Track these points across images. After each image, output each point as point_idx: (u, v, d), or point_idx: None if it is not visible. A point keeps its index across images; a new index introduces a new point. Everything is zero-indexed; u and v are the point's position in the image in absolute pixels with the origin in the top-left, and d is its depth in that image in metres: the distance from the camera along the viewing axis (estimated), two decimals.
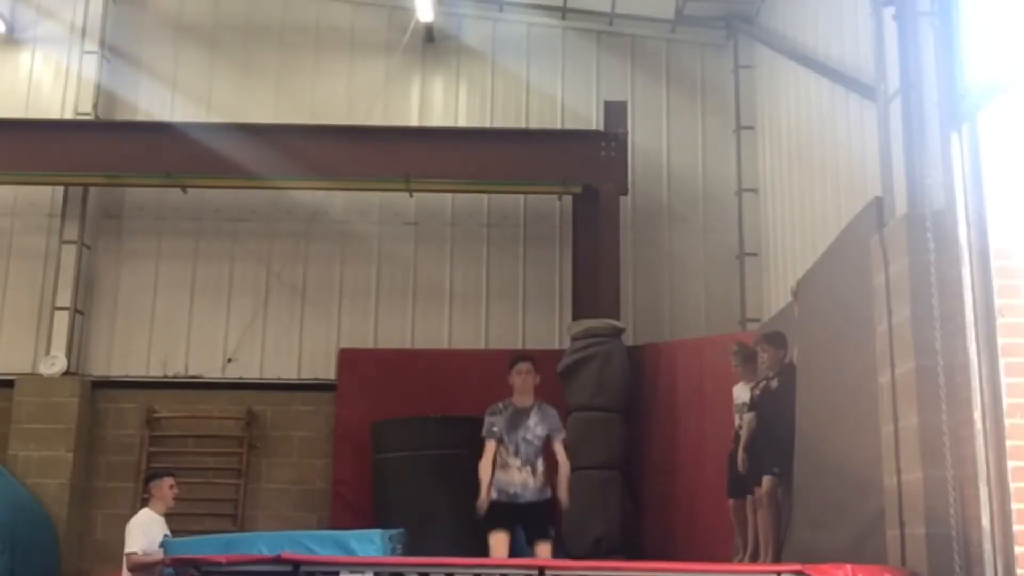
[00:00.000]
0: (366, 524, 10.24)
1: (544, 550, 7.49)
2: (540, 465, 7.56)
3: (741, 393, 8.43)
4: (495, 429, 7.59)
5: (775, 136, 10.97)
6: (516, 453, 7.49)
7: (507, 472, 7.50)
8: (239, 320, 11.92)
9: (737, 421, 8.43)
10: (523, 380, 7.68)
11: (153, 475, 8.81)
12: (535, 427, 7.58)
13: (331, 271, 12.09)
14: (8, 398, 11.40)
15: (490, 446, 7.58)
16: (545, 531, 7.56)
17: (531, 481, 7.49)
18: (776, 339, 8.26)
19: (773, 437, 7.91)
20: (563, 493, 7.65)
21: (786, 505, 7.92)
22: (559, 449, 7.65)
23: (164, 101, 12.48)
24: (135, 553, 7.99)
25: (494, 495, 7.49)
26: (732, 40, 12.18)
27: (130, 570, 8.01)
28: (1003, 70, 5.40)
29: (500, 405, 7.75)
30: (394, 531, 7.74)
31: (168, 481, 8.51)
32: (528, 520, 7.52)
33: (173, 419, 11.65)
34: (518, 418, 7.59)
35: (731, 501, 8.38)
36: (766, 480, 7.83)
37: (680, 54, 12.59)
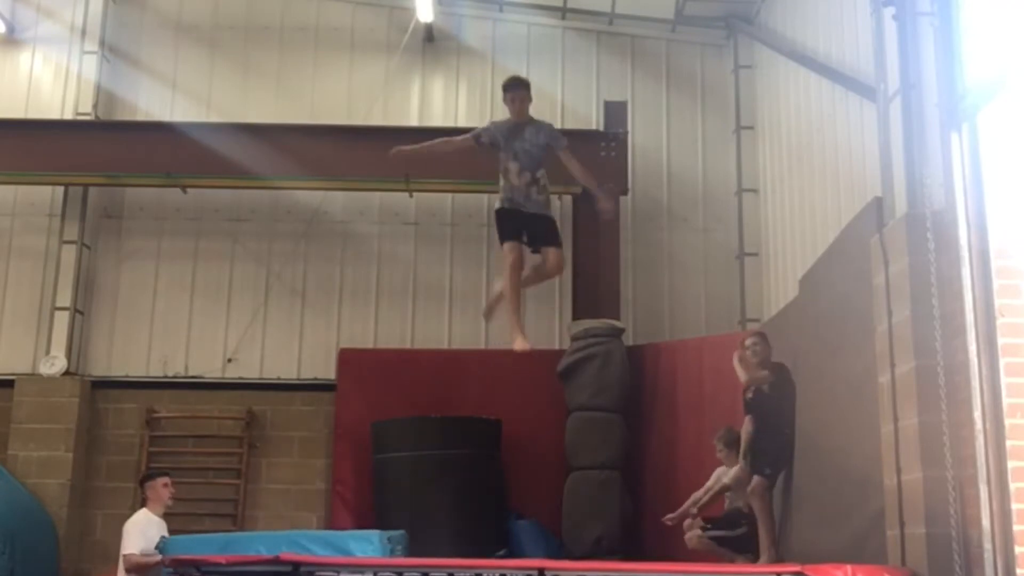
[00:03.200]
0: (366, 524, 10.27)
1: (554, 253, 7.41)
2: (541, 176, 7.44)
3: (722, 475, 8.45)
4: (484, 135, 7.49)
5: (775, 136, 10.97)
6: (515, 158, 7.37)
7: (508, 178, 7.41)
8: (239, 320, 11.92)
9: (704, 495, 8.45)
10: (519, 106, 7.53)
11: (147, 476, 8.79)
12: (532, 137, 7.44)
13: (331, 271, 12.08)
14: (8, 398, 11.39)
15: (464, 138, 7.58)
16: (553, 238, 7.46)
17: (533, 191, 7.37)
18: (765, 336, 8.30)
19: (767, 439, 7.92)
20: (589, 180, 7.70)
21: (784, 505, 7.93)
22: (567, 158, 7.52)
23: (164, 101, 12.48)
24: (133, 554, 7.98)
25: (498, 204, 7.46)
26: (732, 40, 12.18)
27: (127, 571, 8.00)
28: (1003, 70, 5.40)
29: (499, 119, 7.69)
30: (394, 533, 7.73)
31: (162, 480, 8.49)
32: (534, 227, 7.39)
33: (173, 419, 11.64)
34: (516, 130, 7.46)
35: (701, 533, 8.29)
36: (755, 480, 7.84)
37: (680, 54, 12.59)
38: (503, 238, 7.39)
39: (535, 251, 7.48)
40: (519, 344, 7.19)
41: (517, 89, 7.59)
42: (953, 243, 5.62)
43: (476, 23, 12.71)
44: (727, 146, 12.11)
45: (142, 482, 8.69)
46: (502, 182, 7.48)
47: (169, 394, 11.73)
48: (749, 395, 8.19)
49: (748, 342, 8.28)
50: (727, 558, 8.11)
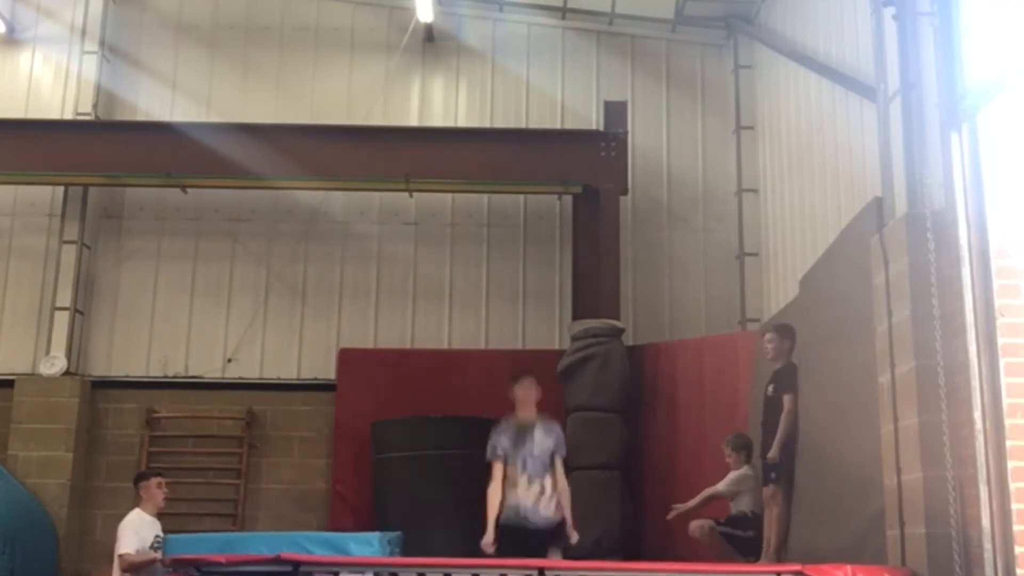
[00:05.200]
0: (366, 524, 10.27)
1: (555, 555, 7.23)
2: (549, 483, 7.31)
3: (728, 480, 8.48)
4: (499, 451, 7.32)
5: (775, 136, 10.97)
6: (524, 469, 7.25)
7: (515, 491, 7.24)
8: (239, 320, 11.92)
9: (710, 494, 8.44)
10: (526, 394, 7.46)
11: (141, 476, 8.78)
12: (541, 442, 7.34)
13: (331, 271, 12.08)
14: (8, 398, 11.39)
15: (497, 468, 7.30)
16: (555, 542, 7.33)
17: (541, 502, 7.25)
18: (784, 330, 8.24)
19: (770, 443, 7.91)
20: (570, 523, 7.35)
21: (785, 505, 7.92)
22: (559, 466, 7.39)
23: (164, 101, 12.48)
24: (129, 553, 7.97)
25: (503, 519, 7.25)
26: (732, 40, 12.19)
27: (123, 570, 7.99)
28: (1003, 70, 5.40)
29: (502, 424, 7.52)
30: (392, 534, 7.72)
31: (155, 481, 8.49)
32: (538, 542, 7.22)
33: (173, 419, 11.64)
34: (523, 433, 7.36)
35: (714, 525, 8.32)
36: (764, 490, 7.87)
37: (680, 54, 12.59)
38: (499, 554, 7.05)
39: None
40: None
41: (527, 378, 7.45)
42: (953, 243, 5.62)
43: (476, 23, 12.71)
44: (727, 146, 12.11)
45: (136, 482, 8.68)
46: (508, 494, 7.25)
47: (169, 394, 11.73)
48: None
49: (766, 336, 8.27)
50: (730, 556, 8.11)
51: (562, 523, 7.46)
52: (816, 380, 7.70)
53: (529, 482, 7.26)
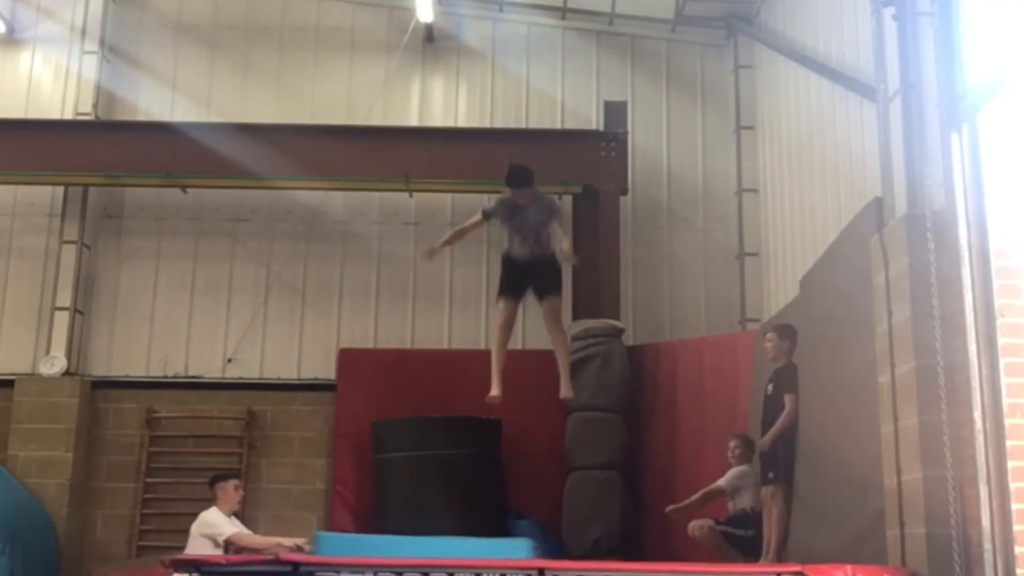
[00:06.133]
0: (366, 524, 10.29)
1: (553, 302, 7.53)
2: (543, 236, 7.49)
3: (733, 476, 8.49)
4: (490, 212, 7.58)
5: (775, 136, 10.98)
6: (517, 231, 7.45)
7: (511, 245, 7.47)
8: (239, 320, 11.92)
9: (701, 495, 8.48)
10: (524, 200, 7.57)
11: (217, 477, 8.73)
12: (534, 217, 7.48)
13: (331, 271, 12.08)
14: (8, 398, 11.38)
15: (474, 219, 7.66)
16: (552, 286, 7.53)
17: (536, 250, 7.44)
18: (784, 330, 8.25)
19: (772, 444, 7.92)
20: (570, 256, 7.54)
21: (785, 506, 7.93)
22: (556, 228, 7.52)
23: (164, 101, 12.48)
24: (239, 533, 7.94)
25: (503, 253, 7.55)
26: (732, 40, 12.19)
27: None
28: (1003, 70, 5.40)
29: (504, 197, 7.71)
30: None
31: (233, 483, 8.55)
32: (535, 276, 7.47)
33: (173, 419, 11.63)
34: (518, 208, 7.50)
35: (713, 524, 8.35)
36: (763, 490, 7.88)
37: (680, 54, 12.59)
38: (499, 292, 7.54)
39: (542, 299, 7.59)
40: (492, 392, 7.57)
41: (520, 186, 7.52)
42: (953, 243, 5.62)
43: (476, 23, 12.71)
44: (727, 146, 12.12)
45: (212, 483, 8.63)
46: (506, 244, 7.57)
47: (169, 394, 11.72)
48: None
49: (766, 336, 8.28)
50: (730, 556, 8.11)
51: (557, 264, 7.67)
52: (816, 380, 7.71)
53: (522, 243, 7.45)
